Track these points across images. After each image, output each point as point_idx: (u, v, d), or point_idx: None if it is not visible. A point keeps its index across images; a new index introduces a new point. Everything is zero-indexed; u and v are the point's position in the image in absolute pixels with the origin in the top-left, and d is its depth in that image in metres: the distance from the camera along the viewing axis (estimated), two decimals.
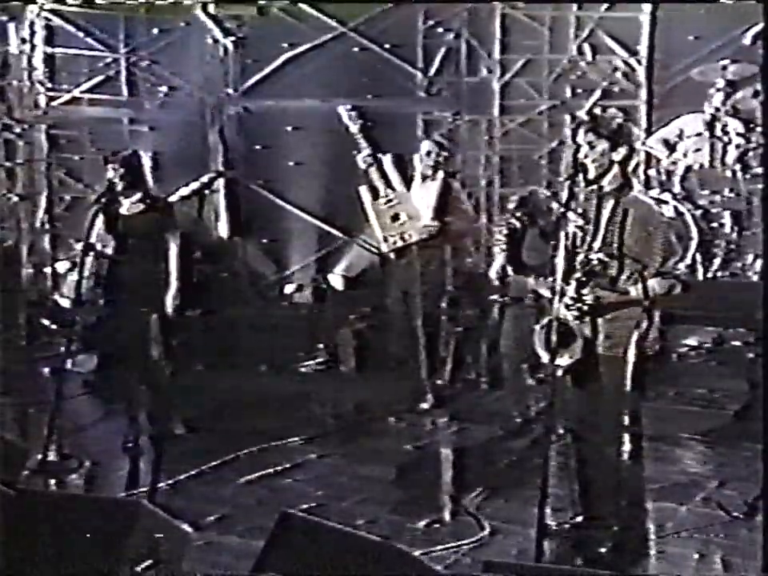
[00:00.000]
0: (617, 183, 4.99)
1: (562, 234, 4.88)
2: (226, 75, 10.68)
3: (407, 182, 7.86)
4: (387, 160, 7.88)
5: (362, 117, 9.89)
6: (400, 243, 7.69)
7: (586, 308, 4.89)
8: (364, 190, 7.84)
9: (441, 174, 7.81)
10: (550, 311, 4.88)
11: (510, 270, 7.02)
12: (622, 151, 4.98)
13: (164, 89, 10.76)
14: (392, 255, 7.77)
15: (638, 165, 9.61)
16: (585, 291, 4.89)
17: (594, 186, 4.99)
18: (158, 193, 6.92)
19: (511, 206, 7.46)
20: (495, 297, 7.19)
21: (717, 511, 5.60)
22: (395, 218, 7.71)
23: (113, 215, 6.70)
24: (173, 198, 6.89)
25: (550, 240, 6.78)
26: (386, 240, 7.72)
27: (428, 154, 7.82)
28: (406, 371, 8.63)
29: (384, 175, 7.83)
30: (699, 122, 9.47)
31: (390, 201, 7.73)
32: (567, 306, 4.88)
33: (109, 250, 6.73)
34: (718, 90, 9.32)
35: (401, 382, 8.33)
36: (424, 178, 7.79)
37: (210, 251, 9.91)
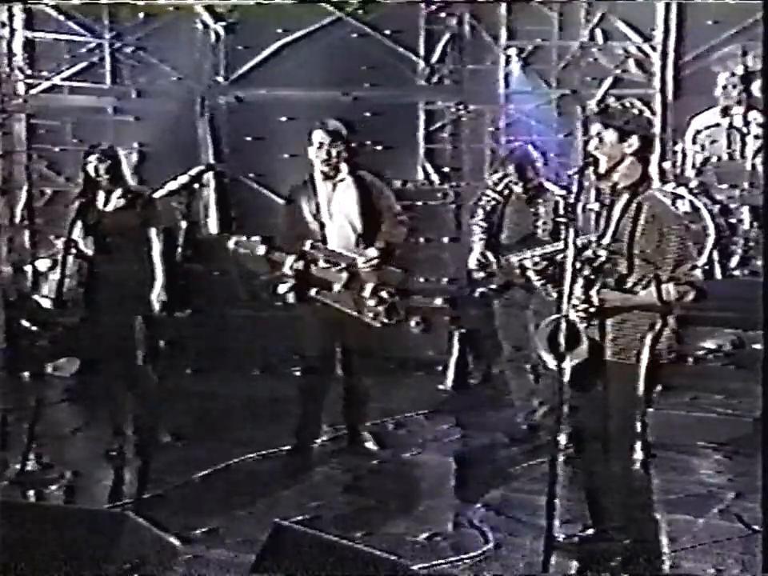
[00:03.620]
0: (633, 178, 4.98)
1: (571, 230, 4.88)
2: (217, 62, 10.72)
3: (314, 189, 6.68)
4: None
5: (360, 108, 9.94)
6: (384, 309, 6.66)
7: (593, 309, 4.90)
8: (315, 293, 6.69)
9: (345, 170, 6.64)
10: (544, 297, 4.89)
11: (490, 256, 6.95)
12: (634, 142, 4.97)
13: (150, 77, 10.79)
14: (386, 321, 6.67)
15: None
16: (592, 292, 4.90)
17: (610, 182, 4.99)
18: (143, 188, 6.93)
19: (493, 178, 7.39)
20: (481, 289, 7.10)
21: (735, 524, 5.60)
22: (350, 280, 6.63)
23: (94, 211, 6.72)
24: (160, 193, 6.89)
25: (536, 206, 6.87)
26: (374, 318, 6.66)
27: (320, 146, 6.58)
28: (406, 375, 8.66)
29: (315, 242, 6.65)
30: (715, 112, 9.49)
31: (333, 262, 6.62)
32: (574, 307, 4.89)
33: (89, 248, 6.75)
34: (737, 77, 9.34)
35: (400, 387, 8.36)
36: (326, 178, 6.63)
37: (200, 248, 9.93)
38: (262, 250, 6.65)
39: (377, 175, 6.88)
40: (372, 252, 6.61)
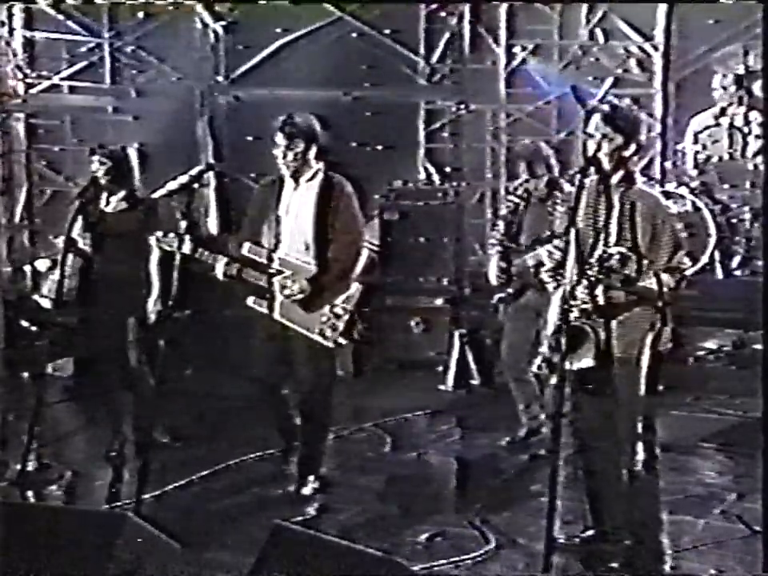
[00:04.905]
0: (620, 176, 5.03)
1: (573, 230, 4.89)
2: (216, 62, 10.71)
3: (280, 188, 6.11)
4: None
5: (360, 108, 9.92)
6: (341, 327, 5.99)
7: (597, 308, 4.91)
8: (252, 302, 6.14)
9: (316, 167, 6.04)
10: (557, 300, 4.89)
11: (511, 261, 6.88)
12: (633, 147, 5.02)
13: (150, 76, 10.79)
14: (341, 341, 6.05)
15: (653, 158, 9.68)
16: (597, 291, 4.91)
17: (596, 177, 5.02)
18: (144, 189, 6.92)
19: (513, 183, 7.33)
20: (498, 295, 7.02)
21: (737, 525, 5.60)
22: (308, 303, 5.99)
23: (95, 212, 6.72)
24: (160, 193, 6.85)
25: (553, 204, 6.81)
26: (324, 337, 6.01)
27: (278, 148, 6.02)
28: (406, 375, 8.65)
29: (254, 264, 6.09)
30: (714, 112, 9.49)
31: (289, 291, 6.00)
32: (578, 307, 4.90)
33: (87, 245, 6.75)
34: (732, 77, 9.34)
35: (400, 387, 8.35)
36: (292, 176, 6.05)
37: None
38: (187, 248, 6.09)
39: (350, 180, 6.17)
40: (354, 292, 6.01)
